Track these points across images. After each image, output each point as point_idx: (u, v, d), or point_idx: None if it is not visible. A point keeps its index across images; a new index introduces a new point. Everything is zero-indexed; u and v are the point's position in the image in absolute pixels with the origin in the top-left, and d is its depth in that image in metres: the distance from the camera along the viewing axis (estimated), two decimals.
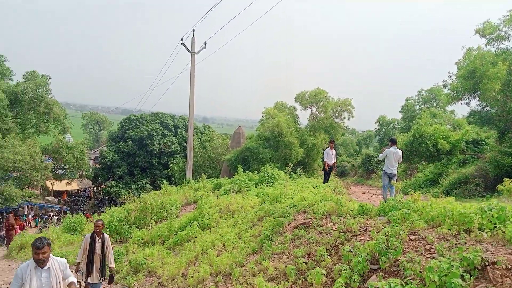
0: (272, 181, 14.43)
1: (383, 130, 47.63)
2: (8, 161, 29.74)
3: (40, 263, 4.13)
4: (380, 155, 10.89)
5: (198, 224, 10.26)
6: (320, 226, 6.94)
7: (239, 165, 17.50)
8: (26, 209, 35.61)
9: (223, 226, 9.64)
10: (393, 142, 10.53)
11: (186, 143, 40.50)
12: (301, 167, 17.39)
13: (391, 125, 47.33)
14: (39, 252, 4.08)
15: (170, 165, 38.55)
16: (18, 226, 22.23)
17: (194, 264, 8.10)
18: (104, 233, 7.05)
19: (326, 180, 14.60)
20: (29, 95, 36.57)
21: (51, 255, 4.29)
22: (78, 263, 6.91)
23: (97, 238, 6.88)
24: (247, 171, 16.81)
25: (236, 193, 13.24)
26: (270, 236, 7.44)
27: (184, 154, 39.85)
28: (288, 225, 7.83)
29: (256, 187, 13.92)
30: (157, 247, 9.80)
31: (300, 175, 15.72)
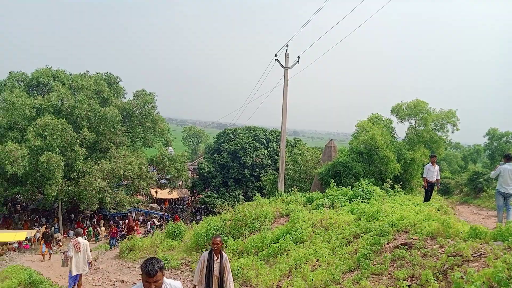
0: (367, 197, 13.83)
1: (494, 144, 42.83)
2: (120, 170, 33.22)
3: None
4: (493, 172, 9.78)
5: (291, 238, 10.24)
6: (424, 247, 6.42)
7: (331, 179, 17.14)
8: (133, 215, 39.20)
9: (316, 241, 9.48)
10: (508, 158, 9.38)
11: (278, 156, 41.03)
12: (400, 183, 16.40)
13: (504, 139, 42.38)
14: (151, 281, 3.07)
15: (262, 178, 39.38)
16: (137, 228, 24.62)
17: (288, 277, 8.07)
18: (223, 252, 6.28)
19: (426, 198, 13.54)
20: (138, 111, 40.66)
21: (164, 279, 3.34)
22: (195, 286, 6.25)
23: (215, 258, 6.08)
24: (339, 186, 16.38)
25: (329, 208, 12.96)
26: (368, 255, 7.10)
27: (275, 167, 40.40)
28: (387, 244, 7.40)
29: (350, 202, 13.47)
30: (251, 258, 10.00)
31: (398, 191, 14.82)
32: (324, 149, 27.80)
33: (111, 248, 18.35)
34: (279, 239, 10.61)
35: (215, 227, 13.13)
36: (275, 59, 21.42)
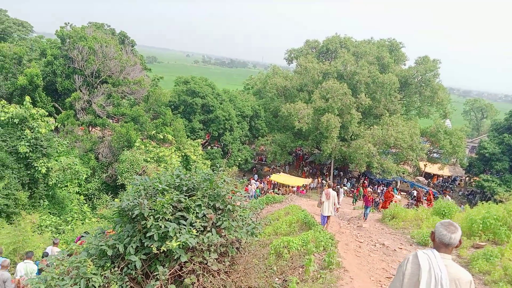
0: None
1: None
2: (390, 138, 33.20)
3: None
4: None
5: None
6: None
7: None
8: (398, 184, 38.85)
9: None
10: None
11: None
12: None
13: None
14: None
15: None
16: (395, 200, 24.32)
17: None
18: None
19: None
20: (418, 79, 38.84)
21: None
22: None
23: None
24: None
25: None
26: None
27: None
28: None
29: None
30: None
31: None
32: None
33: (364, 217, 17.32)
34: None
35: (495, 217, 11.24)
36: None
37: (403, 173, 37.25)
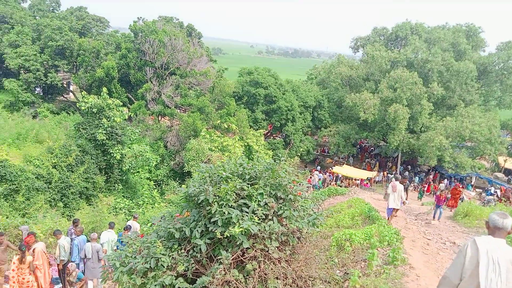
0: None
1: None
2: (466, 130, 30.89)
3: None
4: None
5: None
6: None
7: None
8: (473, 180, 36.15)
9: None
10: None
11: None
12: None
13: None
14: None
15: None
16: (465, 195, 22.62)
17: None
18: None
19: None
20: (499, 67, 35.62)
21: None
22: None
23: None
24: None
25: None
26: None
27: None
28: None
29: None
30: None
31: None
32: None
33: (435, 217, 15.46)
34: None
35: None
36: None
37: (479, 169, 34.55)
